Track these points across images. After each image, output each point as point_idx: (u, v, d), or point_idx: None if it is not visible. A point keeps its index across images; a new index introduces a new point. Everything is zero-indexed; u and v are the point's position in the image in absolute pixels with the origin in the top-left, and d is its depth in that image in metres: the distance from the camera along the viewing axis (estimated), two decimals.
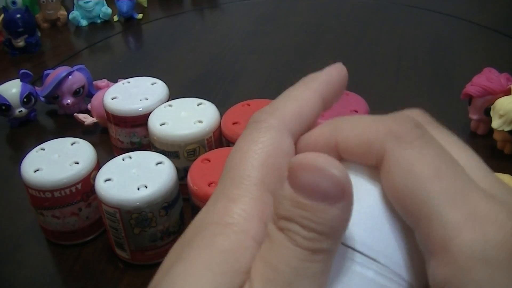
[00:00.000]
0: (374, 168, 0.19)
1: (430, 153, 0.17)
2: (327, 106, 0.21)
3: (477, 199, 0.16)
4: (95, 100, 0.65)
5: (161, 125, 0.52)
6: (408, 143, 0.17)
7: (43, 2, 0.95)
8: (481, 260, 0.15)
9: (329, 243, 0.16)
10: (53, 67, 0.71)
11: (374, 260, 0.18)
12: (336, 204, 0.16)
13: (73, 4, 0.98)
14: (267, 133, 0.19)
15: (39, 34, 0.90)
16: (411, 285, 0.18)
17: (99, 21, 0.98)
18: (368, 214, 0.18)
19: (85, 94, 0.70)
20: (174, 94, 0.60)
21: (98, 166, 0.50)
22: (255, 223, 0.18)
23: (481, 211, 0.16)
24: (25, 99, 0.68)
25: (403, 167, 0.17)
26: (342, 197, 0.16)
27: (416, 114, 0.20)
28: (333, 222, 0.16)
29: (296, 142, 0.20)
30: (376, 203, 0.18)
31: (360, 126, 0.19)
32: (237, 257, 0.17)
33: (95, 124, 0.66)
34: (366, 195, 0.19)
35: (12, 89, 0.68)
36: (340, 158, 0.20)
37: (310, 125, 0.20)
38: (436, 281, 0.16)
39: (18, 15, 0.85)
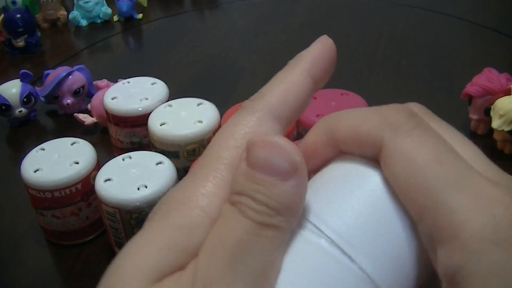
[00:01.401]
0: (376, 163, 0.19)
1: (428, 141, 0.17)
2: (319, 84, 0.21)
3: (481, 183, 0.16)
4: (95, 100, 0.65)
5: (161, 125, 0.52)
6: (405, 132, 0.17)
7: (43, 2, 0.95)
8: (492, 242, 0.15)
9: (280, 219, 0.16)
10: (53, 67, 0.71)
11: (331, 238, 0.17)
12: (288, 180, 0.16)
13: (73, 4, 0.98)
14: (249, 117, 0.19)
15: (39, 34, 0.90)
16: (366, 273, 0.17)
17: (99, 21, 0.98)
18: (351, 202, 0.18)
19: (85, 94, 0.70)
20: (174, 94, 0.60)
21: (98, 166, 0.50)
22: (215, 201, 0.18)
23: (486, 193, 0.16)
24: (25, 99, 0.68)
25: (403, 156, 0.17)
26: (294, 173, 0.17)
27: (413, 106, 0.20)
28: (284, 198, 0.16)
29: (285, 124, 0.20)
30: (367, 194, 0.18)
31: (356, 118, 0.19)
32: (187, 234, 0.17)
33: (95, 124, 0.66)
34: (358, 185, 0.18)
35: (12, 89, 0.68)
36: (339, 152, 0.20)
37: (300, 106, 0.20)
38: (448, 269, 0.16)
39: (18, 15, 0.85)
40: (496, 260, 0.15)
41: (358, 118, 0.19)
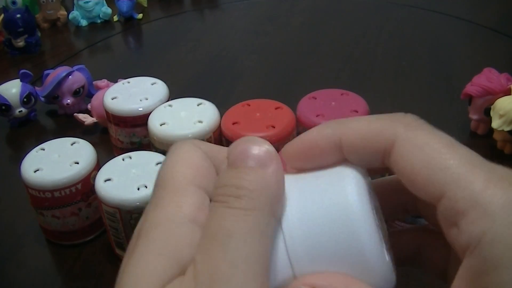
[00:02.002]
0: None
1: (438, 134, 0.18)
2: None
3: (491, 164, 0.17)
4: (95, 100, 0.65)
5: (161, 125, 0.52)
6: (417, 126, 0.19)
7: (43, 2, 0.95)
8: None
9: (262, 202, 0.17)
10: (53, 67, 0.71)
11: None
12: (267, 167, 0.18)
13: (73, 4, 0.98)
14: (182, 148, 0.21)
15: (39, 34, 0.90)
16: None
17: (99, 21, 0.98)
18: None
19: (85, 94, 0.70)
20: (174, 94, 0.60)
21: (98, 166, 0.50)
22: (199, 212, 0.19)
23: (499, 170, 0.17)
24: (25, 99, 0.68)
25: (419, 143, 0.18)
26: (271, 161, 0.18)
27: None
28: (265, 181, 0.18)
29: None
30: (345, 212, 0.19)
31: (366, 120, 0.20)
32: (182, 248, 0.18)
33: (95, 124, 0.66)
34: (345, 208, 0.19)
35: (12, 89, 0.68)
36: (341, 158, 0.20)
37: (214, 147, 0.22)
38: (472, 237, 0.16)
39: (18, 15, 0.85)
40: None
41: (368, 120, 0.20)
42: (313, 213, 0.19)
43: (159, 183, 0.20)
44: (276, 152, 0.19)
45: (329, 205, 0.19)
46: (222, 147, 0.22)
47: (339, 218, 0.18)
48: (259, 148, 0.18)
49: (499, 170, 0.17)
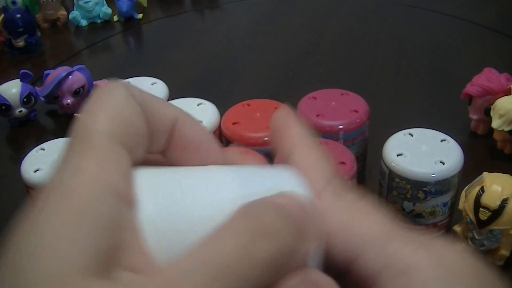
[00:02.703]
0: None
1: (359, 203, 0.18)
2: None
3: (404, 229, 0.18)
4: None
5: None
6: (342, 195, 0.19)
7: (43, 2, 0.95)
8: (413, 244, 0.16)
9: None
10: (53, 67, 0.71)
11: None
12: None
13: (73, 4, 0.98)
14: (113, 93, 0.17)
15: (39, 34, 0.90)
16: None
17: (99, 21, 0.98)
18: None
19: (85, 94, 0.70)
20: (174, 94, 0.60)
21: None
22: (114, 179, 0.15)
23: (412, 235, 0.17)
24: (25, 99, 0.68)
25: (338, 210, 0.18)
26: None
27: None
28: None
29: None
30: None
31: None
32: (92, 224, 0.14)
33: None
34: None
35: (12, 89, 0.68)
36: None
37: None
38: (374, 270, 0.17)
39: (18, 15, 0.85)
40: (417, 257, 0.16)
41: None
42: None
43: (79, 132, 0.16)
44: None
45: None
46: (160, 100, 0.19)
47: None
48: None
49: (410, 233, 0.17)
